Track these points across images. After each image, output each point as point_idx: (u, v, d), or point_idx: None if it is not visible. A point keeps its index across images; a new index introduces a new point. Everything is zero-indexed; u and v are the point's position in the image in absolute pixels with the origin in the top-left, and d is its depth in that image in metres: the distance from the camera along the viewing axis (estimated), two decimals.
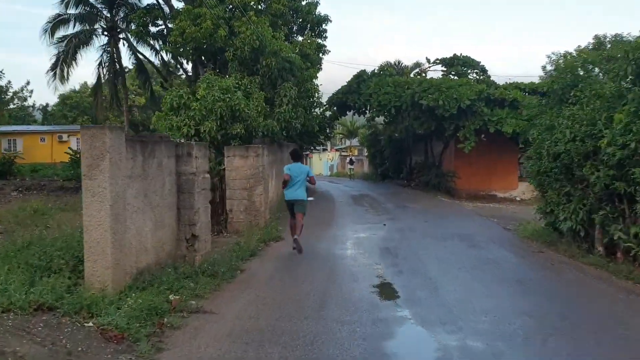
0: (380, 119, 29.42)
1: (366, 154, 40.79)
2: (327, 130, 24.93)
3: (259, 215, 11.08)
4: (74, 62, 24.56)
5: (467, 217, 15.24)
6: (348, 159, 39.93)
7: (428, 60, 26.33)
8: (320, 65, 21.42)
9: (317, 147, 25.76)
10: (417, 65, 27.57)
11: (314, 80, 16.07)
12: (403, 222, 13.47)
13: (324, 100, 23.65)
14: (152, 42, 22.85)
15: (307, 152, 32.54)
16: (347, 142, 50.46)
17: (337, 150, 54.15)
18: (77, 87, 46.59)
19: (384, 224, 12.98)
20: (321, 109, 24.57)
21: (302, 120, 14.24)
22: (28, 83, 69.05)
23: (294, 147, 13.83)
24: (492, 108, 20.91)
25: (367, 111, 24.92)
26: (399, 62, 27.10)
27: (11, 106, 46.24)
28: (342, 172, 42.03)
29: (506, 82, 23.32)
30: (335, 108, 25.36)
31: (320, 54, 20.84)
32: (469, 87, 21.27)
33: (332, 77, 72.42)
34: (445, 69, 26.17)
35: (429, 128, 21.97)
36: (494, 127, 20.59)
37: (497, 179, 23.72)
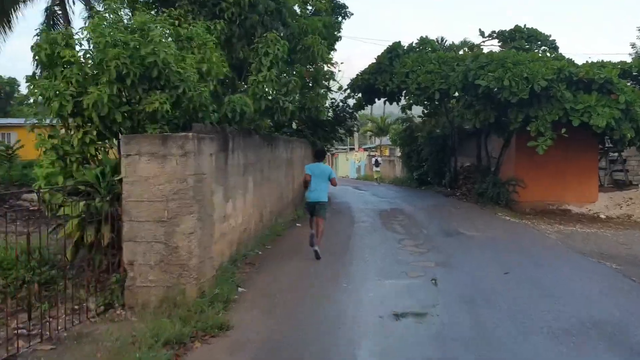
0: (417, 110, 23.58)
1: (399, 154, 35.12)
2: (349, 122, 19.25)
3: (188, 276, 5.52)
4: None
5: (562, 257, 9.39)
6: (374, 159, 34.22)
7: (482, 34, 20.34)
8: (339, 33, 15.79)
9: (334, 145, 19.94)
10: (465, 43, 21.62)
11: (324, 46, 10.24)
12: (465, 274, 7.73)
13: (344, 83, 18.08)
14: None
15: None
16: (377, 141, 44.63)
17: (365, 149, 48.36)
18: None
19: (433, 280, 7.28)
20: (341, 94, 18.95)
21: (296, 96, 8.61)
22: None
23: (319, 145, 12.63)
24: (576, 93, 14.90)
25: (402, 97, 19.11)
26: (441, 39, 21.22)
27: None
28: (370, 174, 36.29)
29: (586, 62, 17.13)
30: (359, 94, 19.65)
31: (339, 17, 15.18)
32: (543, 63, 15.26)
33: (352, 63, 65.05)
34: (502, 46, 20.13)
35: (487, 119, 16.04)
36: (578, 119, 14.56)
37: (571, 188, 17.66)
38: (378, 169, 33.41)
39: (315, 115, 11.92)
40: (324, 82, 10.31)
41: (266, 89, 8.07)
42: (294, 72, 8.75)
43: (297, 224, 12.56)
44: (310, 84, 10.92)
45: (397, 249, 9.61)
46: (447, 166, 23.58)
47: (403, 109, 18.37)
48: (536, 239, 11.24)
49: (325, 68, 10.41)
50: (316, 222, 8.69)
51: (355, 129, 19.92)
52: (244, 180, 8.43)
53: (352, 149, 53.91)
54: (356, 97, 19.62)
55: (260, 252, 8.68)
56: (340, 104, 19.08)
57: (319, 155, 9.46)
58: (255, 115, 8.34)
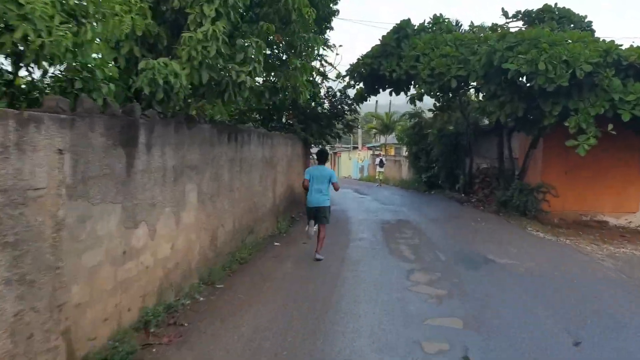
0: (426, 105, 20.68)
1: (405, 153, 32.29)
2: (349, 115, 16.38)
3: None
4: None
5: (633, 299, 6.52)
6: (377, 159, 31.35)
7: (505, 14, 17.36)
8: (335, 4, 12.94)
9: (330, 143, 17.02)
10: (482, 29, 18.65)
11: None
12: (514, 346, 4.86)
13: (343, 70, 15.27)
14: None
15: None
16: (382, 139, 41.69)
17: (369, 148, 45.44)
18: None
19: (465, 359, 4.44)
20: (340, 82, 16.12)
21: (258, 67, 5.72)
22: None
23: (322, 147, 11.76)
24: (625, 81, 12.02)
25: (411, 86, 16.21)
26: (457, 22, 18.26)
27: None
28: (374, 175, 33.41)
29: (631, 45, 14.14)
30: (360, 84, 16.76)
31: None
32: (584, 44, 12.34)
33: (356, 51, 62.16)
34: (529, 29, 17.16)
35: (514, 113, 13.17)
36: (628, 113, 11.71)
37: (608, 196, 14.83)
38: (382, 169, 30.58)
39: (293, 99, 9.00)
40: (306, 53, 7.38)
41: (210, 53, 5.20)
42: (257, 32, 5.90)
43: (276, 243, 9.73)
44: (284, 54, 8.00)
45: (405, 289, 6.71)
46: (461, 168, 20.68)
47: (412, 99, 15.43)
48: (590, 270, 8.33)
49: (313, 35, 7.44)
50: (319, 229, 8.33)
51: (355, 124, 16.96)
52: (176, 191, 5.60)
53: (355, 148, 51.01)
54: (357, 86, 16.72)
55: (200, 298, 5.83)
56: (338, 94, 16.21)
57: (321, 158, 8.96)
58: (195, 91, 5.50)
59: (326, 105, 15.98)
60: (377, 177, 31.05)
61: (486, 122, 21.01)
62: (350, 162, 47.63)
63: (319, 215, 8.32)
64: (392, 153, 39.85)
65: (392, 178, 31.11)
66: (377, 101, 44.89)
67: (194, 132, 6.11)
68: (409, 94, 16.54)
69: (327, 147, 15.84)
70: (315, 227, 8.44)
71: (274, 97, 7.51)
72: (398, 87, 16.49)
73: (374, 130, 42.68)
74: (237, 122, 12.61)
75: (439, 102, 17.66)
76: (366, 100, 17.55)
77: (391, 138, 39.55)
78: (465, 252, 9.23)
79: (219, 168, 7.11)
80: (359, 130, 47.13)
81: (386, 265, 8.07)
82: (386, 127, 38.22)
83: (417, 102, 16.47)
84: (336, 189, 8.71)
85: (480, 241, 10.32)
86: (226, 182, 7.46)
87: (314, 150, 16.69)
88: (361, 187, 27.67)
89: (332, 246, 9.56)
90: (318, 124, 15.22)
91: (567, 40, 12.50)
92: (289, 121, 15.01)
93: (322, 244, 8.34)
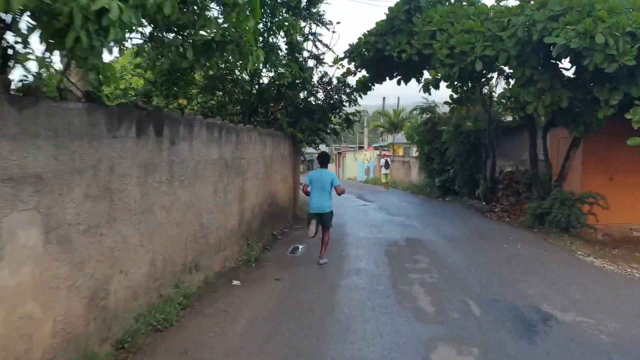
0: (440, 97, 17.72)
1: (415, 153, 29.44)
2: (347, 107, 13.46)
3: None
4: None
5: None
6: (382, 160, 28.43)
7: None
8: None
9: (325, 141, 14.06)
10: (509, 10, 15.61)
11: None
12: None
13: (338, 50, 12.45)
14: None
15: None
16: (389, 138, 38.77)
17: (375, 148, 42.47)
18: None
19: None
20: (338, 68, 13.25)
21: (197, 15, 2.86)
22: None
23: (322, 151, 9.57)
24: None
25: (425, 71, 13.30)
26: None
27: None
28: (379, 178, 30.51)
29: None
30: (363, 71, 13.85)
31: None
32: None
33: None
34: None
35: (557, 102, 10.27)
36: None
37: None
38: (387, 171, 27.65)
39: (279, 87, 6.11)
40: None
41: None
42: None
43: (235, 282, 6.87)
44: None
45: None
46: (482, 171, 17.73)
47: (426, 86, 12.38)
48: None
49: None
50: (323, 234, 8.19)
51: (357, 117, 14.01)
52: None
53: (361, 148, 48.12)
54: (358, 72, 13.81)
55: None
56: (335, 81, 13.32)
57: (322, 161, 8.61)
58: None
59: (320, 95, 13.11)
60: (382, 180, 28.19)
61: (510, 118, 18.12)
62: (356, 163, 44.71)
63: (322, 220, 8.11)
64: (401, 153, 36.90)
65: (400, 181, 28.16)
66: (384, 98, 42.07)
67: (32, 114, 3.27)
68: (422, 80, 13.59)
69: (327, 147, 13.01)
70: (312, 227, 8.16)
71: (202, 58, 4.58)
72: (408, 72, 13.55)
73: (381, 129, 39.76)
74: (213, 116, 9.79)
75: (456, 93, 14.69)
76: (370, 90, 14.60)
77: (399, 137, 36.62)
78: (508, 298, 6.31)
79: (113, 178, 4.26)
80: (365, 129, 44.19)
81: (392, 330, 5.16)
82: (394, 126, 35.28)
83: (431, 92, 13.47)
84: (339, 193, 8.31)
85: (524, 276, 7.39)
86: (132, 200, 4.60)
87: (309, 150, 13.87)
88: (365, 191, 24.75)
89: (316, 285, 6.71)
90: (310, 118, 12.34)
91: (629, 9, 9.57)
92: (273, 114, 12.17)
93: (326, 249, 8.21)
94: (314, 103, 12.83)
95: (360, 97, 14.20)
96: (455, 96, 15.32)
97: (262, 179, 9.72)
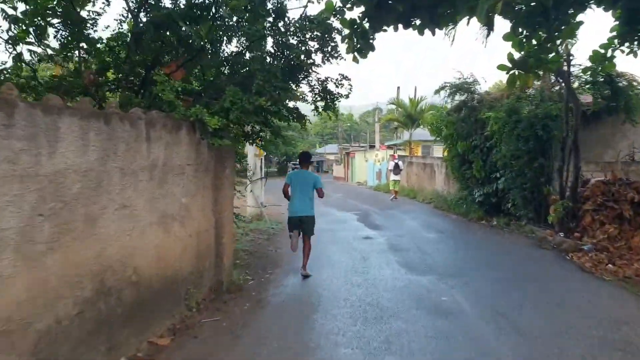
0: (481, 67, 11.18)
1: (440, 153, 23.10)
2: (322, 64, 6.93)
3: None
4: None
5: None
6: (391, 163, 22.04)
7: None
8: None
9: (269, 134, 7.47)
10: None
11: None
12: None
13: None
14: None
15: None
16: (405, 135, 32.22)
17: (388, 146, 35.89)
18: None
19: None
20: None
21: None
22: None
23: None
24: None
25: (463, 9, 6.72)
26: None
27: None
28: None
29: None
30: (355, 8, 7.32)
31: None
32: None
33: None
34: None
35: None
36: None
37: None
38: (397, 177, 21.29)
39: None
40: None
41: None
42: None
43: None
44: None
45: None
46: (552, 181, 11.17)
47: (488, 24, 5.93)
48: None
49: None
50: (304, 241, 7.48)
51: (343, 88, 7.28)
52: None
53: (372, 147, 41.58)
54: (348, 8, 7.28)
55: None
56: (298, 27, 6.81)
57: (303, 160, 7.91)
58: None
59: (270, 46, 6.67)
60: (390, 186, 21.84)
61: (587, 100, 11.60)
62: (366, 164, 38.20)
63: (304, 226, 7.40)
64: (419, 153, 30.29)
65: (420, 190, 21.57)
66: (398, 87, 35.48)
67: None
68: (446, 30, 7.11)
69: (251, 142, 6.69)
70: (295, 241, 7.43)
71: None
72: (432, 10, 7.01)
73: (395, 123, 33.21)
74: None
75: (520, 50, 8.17)
76: (372, 49, 8.02)
77: (418, 133, 30.01)
78: None
79: None
80: (376, 125, 37.60)
81: None
82: (410, 119, 28.70)
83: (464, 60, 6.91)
84: (320, 196, 7.60)
85: None
86: None
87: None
88: (374, 205, 18.21)
89: None
90: (245, 88, 5.94)
91: None
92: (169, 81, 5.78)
93: (308, 258, 7.47)
94: (251, 59, 6.44)
95: (356, 60, 7.62)
96: (517, 56, 8.64)
97: (115, 196, 3.40)
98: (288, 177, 7.77)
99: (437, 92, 14.11)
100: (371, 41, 7.43)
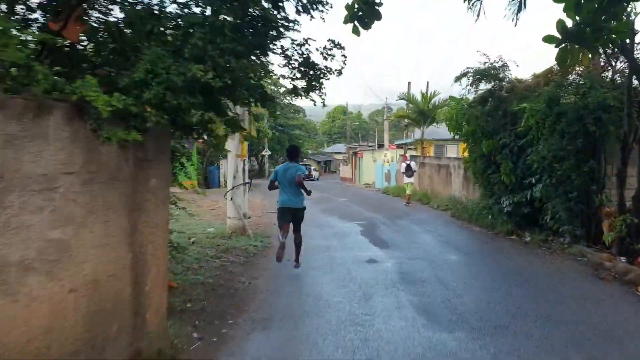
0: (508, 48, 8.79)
1: (453, 153, 21.03)
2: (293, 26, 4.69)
3: None
4: None
5: None
6: (403, 164, 19.74)
7: None
8: None
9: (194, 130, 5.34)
10: None
11: None
12: None
13: None
14: None
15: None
16: (417, 133, 29.87)
17: (398, 146, 33.53)
18: None
19: None
20: None
21: None
22: None
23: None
24: None
25: None
26: None
27: None
28: (402, 186, 21.76)
29: None
30: None
31: None
32: None
33: None
34: None
35: None
36: None
37: None
38: (410, 179, 19.04)
39: None
40: None
41: None
42: None
43: None
44: None
45: None
46: (607, 190, 8.83)
47: None
48: None
49: None
50: (295, 235, 7.72)
51: (334, 61, 5.04)
52: None
53: (381, 147, 39.26)
54: None
55: None
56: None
57: (291, 154, 7.91)
58: None
59: None
60: (407, 190, 19.57)
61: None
62: (374, 165, 35.85)
63: (294, 218, 7.61)
64: (431, 153, 27.92)
65: (435, 194, 19.24)
66: (409, 82, 33.06)
67: None
68: None
69: (178, 142, 4.35)
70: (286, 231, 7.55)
71: None
72: None
73: (405, 120, 30.85)
74: None
75: (575, 17, 5.92)
76: (377, 19, 5.71)
77: (430, 131, 27.63)
78: None
79: None
80: (385, 123, 35.19)
81: None
82: (423, 115, 26.32)
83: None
84: (297, 182, 7.40)
85: None
86: None
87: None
88: (383, 211, 15.91)
89: None
90: (177, 54, 3.69)
91: None
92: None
93: (299, 251, 7.78)
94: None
95: (357, 29, 5.29)
96: (572, 24, 6.29)
97: None
98: (274, 172, 7.78)
99: (457, 79, 11.73)
100: (377, 7, 5.25)
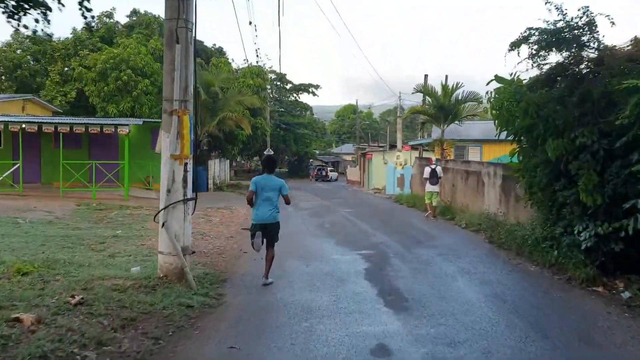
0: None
1: (475, 156, 17.72)
2: None
3: None
4: None
5: None
6: (427, 169, 16.04)
7: None
8: None
9: None
10: None
11: None
12: None
13: None
14: None
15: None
16: (436, 132, 26.03)
17: (413, 147, 29.66)
18: None
19: None
20: None
21: None
22: None
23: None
24: None
25: None
26: None
27: None
28: (421, 193, 17.98)
29: None
30: None
31: None
32: None
33: None
34: None
35: None
36: None
37: None
38: (435, 188, 15.38)
39: None
40: None
41: None
42: None
43: None
44: None
45: None
46: None
47: None
48: None
49: None
50: (267, 251, 7.31)
51: None
52: None
53: (393, 147, 35.44)
54: None
55: None
56: None
57: (268, 166, 7.66)
58: None
59: None
60: (426, 199, 15.89)
61: None
62: (385, 167, 32.05)
63: (268, 233, 7.25)
64: (452, 156, 24.02)
65: (461, 207, 15.40)
66: (426, 75, 29.22)
67: None
68: None
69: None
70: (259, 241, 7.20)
71: None
72: None
73: (421, 117, 26.95)
74: None
75: None
76: None
77: (449, 131, 23.73)
78: None
79: None
80: (398, 121, 31.31)
81: None
82: (443, 111, 22.43)
83: None
84: (287, 203, 7.52)
85: None
86: None
87: None
88: (393, 232, 12.01)
89: None
90: None
91: None
92: None
93: (270, 266, 7.30)
94: None
95: None
96: None
97: None
98: (253, 183, 7.37)
99: (514, 46, 7.81)
100: None
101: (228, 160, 36.83)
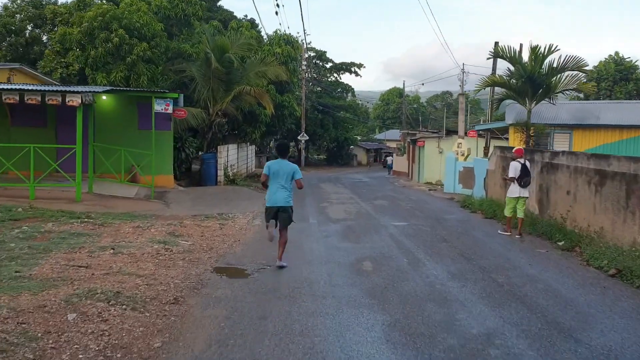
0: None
1: (568, 146, 10.65)
2: None
3: None
4: None
5: None
6: (515, 164, 10.40)
7: None
8: None
9: None
10: None
11: None
12: None
13: None
14: None
15: None
16: (513, 113, 19.79)
17: (480, 133, 23.54)
18: None
19: None
20: None
21: None
22: None
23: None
24: None
25: None
26: None
27: None
28: (500, 196, 12.11)
29: None
30: None
31: None
32: None
33: None
34: None
35: None
36: None
37: None
38: (525, 192, 9.63)
39: None
40: None
41: None
42: None
43: None
44: None
45: None
46: None
47: None
48: None
49: None
50: (280, 233, 7.50)
51: None
52: None
53: (451, 134, 29.31)
54: None
55: None
56: None
57: (281, 151, 7.95)
58: None
59: None
60: (509, 210, 10.02)
61: None
62: (441, 158, 26.01)
63: (281, 216, 7.42)
64: (521, 144, 17.71)
65: (583, 230, 9.37)
66: (496, 42, 22.83)
67: None
68: None
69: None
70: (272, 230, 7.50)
71: None
72: None
73: (495, 92, 20.74)
74: None
75: None
76: None
77: (523, 113, 17.39)
78: None
79: None
80: (460, 98, 25.05)
81: None
82: (531, 82, 16.21)
83: None
84: (299, 187, 7.59)
85: None
86: None
87: None
88: (469, 271, 6.18)
89: None
90: None
91: None
92: None
93: (284, 249, 7.56)
94: None
95: None
96: None
97: None
98: (266, 167, 7.54)
99: None
100: None
101: (252, 146, 31.40)
